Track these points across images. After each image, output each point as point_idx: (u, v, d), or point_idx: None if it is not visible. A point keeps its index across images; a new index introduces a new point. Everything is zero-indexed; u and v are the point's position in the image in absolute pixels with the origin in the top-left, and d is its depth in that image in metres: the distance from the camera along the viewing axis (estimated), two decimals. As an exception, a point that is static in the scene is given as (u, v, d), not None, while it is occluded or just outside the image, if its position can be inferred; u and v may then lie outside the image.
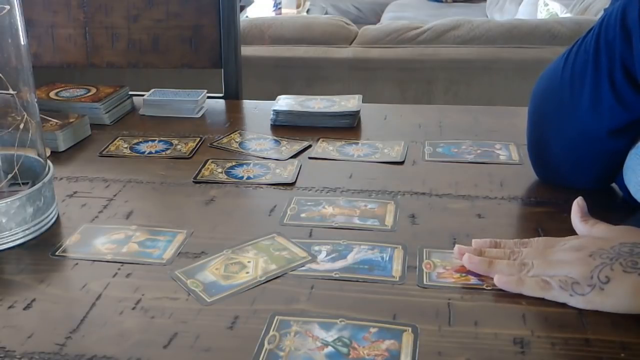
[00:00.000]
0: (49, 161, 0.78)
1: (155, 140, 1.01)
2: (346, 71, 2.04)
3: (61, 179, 0.88)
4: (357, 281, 0.63)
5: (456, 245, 0.67)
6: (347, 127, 1.04)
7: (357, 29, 2.17)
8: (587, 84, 0.71)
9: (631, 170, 0.70)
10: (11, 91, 0.72)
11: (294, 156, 0.94)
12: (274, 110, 1.07)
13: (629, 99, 0.68)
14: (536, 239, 0.66)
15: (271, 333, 0.56)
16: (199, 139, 1.01)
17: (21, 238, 0.71)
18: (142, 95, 1.16)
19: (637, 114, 0.69)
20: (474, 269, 0.64)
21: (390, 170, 0.89)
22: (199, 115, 1.13)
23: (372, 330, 0.56)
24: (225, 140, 1.01)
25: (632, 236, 0.61)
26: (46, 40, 1.22)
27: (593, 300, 0.58)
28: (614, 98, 0.69)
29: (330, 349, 0.54)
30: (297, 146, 0.97)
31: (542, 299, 0.60)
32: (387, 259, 0.67)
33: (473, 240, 0.68)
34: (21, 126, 0.74)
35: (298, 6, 4.64)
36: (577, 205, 0.68)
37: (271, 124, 1.06)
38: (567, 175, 0.79)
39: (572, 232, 0.67)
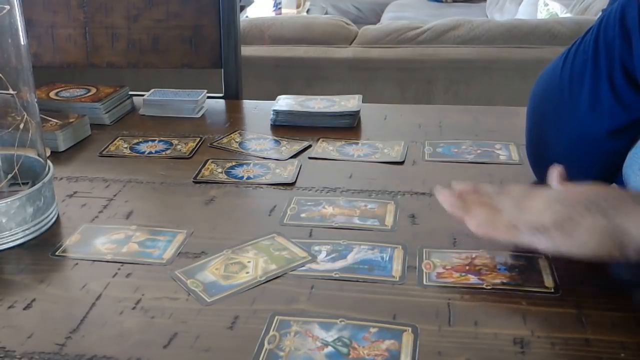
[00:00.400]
0: (49, 161, 0.78)
1: (155, 140, 1.01)
2: (346, 71, 2.04)
3: (61, 179, 0.88)
4: (357, 281, 0.63)
5: (437, 186, 0.70)
6: (347, 127, 1.04)
7: (357, 29, 2.17)
8: (586, 84, 0.71)
9: (630, 169, 0.70)
10: (11, 91, 0.72)
11: (294, 156, 0.94)
12: (274, 110, 1.07)
13: (628, 99, 0.68)
14: (513, 187, 0.68)
15: (271, 333, 0.56)
16: (199, 139, 1.01)
17: (21, 238, 0.71)
18: (142, 95, 1.16)
19: (637, 114, 0.68)
20: (451, 210, 0.67)
21: (390, 170, 0.89)
22: (199, 115, 1.13)
23: (372, 330, 0.56)
24: (225, 140, 1.01)
25: (604, 189, 0.64)
26: (46, 40, 1.22)
27: (560, 244, 0.60)
28: (613, 98, 0.69)
29: (330, 349, 0.54)
30: (297, 146, 0.97)
31: (542, 299, 0.60)
32: (387, 259, 0.67)
33: (453, 183, 0.70)
34: (21, 126, 0.74)
35: (298, 6, 4.64)
36: (557, 171, 0.69)
37: (271, 124, 1.06)
38: (567, 176, 0.79)
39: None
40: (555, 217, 0.61)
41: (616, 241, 0.59)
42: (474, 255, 0.67)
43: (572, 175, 0.78)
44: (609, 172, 0.77)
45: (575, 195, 0.64)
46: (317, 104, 1.09)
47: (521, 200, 0.66)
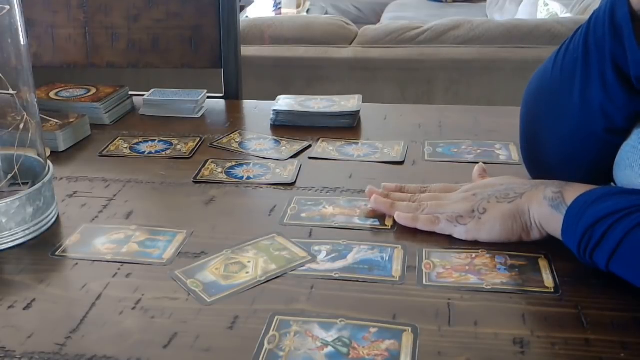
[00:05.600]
0: (49, 161, 0.78)
1: (155, 140, 1.01)
2: (346, 71, 2.04)
3: (61, 179, 0.88)
4: (357, 281, 0.63)
5: (368, 187, 0.79)
6: (347, 127, 1.04)
7: (357, 29, 2.17)
8: (576, 83, 0.70)
9: (617, 165, 0.70)
10: (11, 91, 0.72)
11: (294, 156, 0.94)
12: (274, 110, 1.07)
13: (619, 96, 0.68)
14: (435, 185, 0.79)
15: (271, 333, 0.56)
16: (199, 139, 1.01)
17: (21, 238, 0.71)
18: (142, 95, 1.16)
19: (628, 111, 0.68)
20: (378, 208, 0.76)
21: (390, 170, 0.89)
22: (199, 115, 1.13)
23: (372, 330, 0.56)
24: (225, 140, 1.01)
25: (512, 179, 0.74)
26: (46, 40, 1.22)
27: (472, 229, 0.69)
28: (604, 96, 0.68)
29: (330, 349, 0.54)
30: (297, 146, 0.97)
31: (542, 299, 0.60)
32: (387, 259, 0.67)
33: (383, 184, 0.80)
34: (21, 126, 0.74)
35: (298, 6, 4.64)
36: (480, 166, 0.82)
37: (271, 124, 1.06)
38: (561, 175, 0.78)
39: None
40: (467, 206, 0.70)
41: (520, 223, 0.67)
42: (474, 255, 0.67)
43: (566, 173, 0.78)
44: (602, 170, 0.76)
45: (486, 186, 0.73)
46: (317, 104, 1.09)
47: (440, 194, 0.76)
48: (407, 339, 0.55)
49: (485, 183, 0.76)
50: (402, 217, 0.73)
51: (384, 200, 0.76)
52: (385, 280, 0.63)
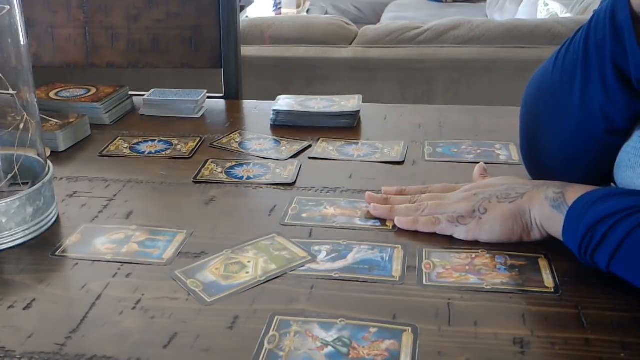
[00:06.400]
0: (49, 161, 0.78)
1: (155, 140, 1.01)
2: (346, 71, 2.04)
3: (61, 179, 0.88)
4: (357, 281, 0.63)
5: (367, 193, 0.78)
6: (347, 127, 1.04)
7: (357, 29, 2.17)
8: (576, 84, 0.70)
9: (617, 167, 0.70)
10: (11, 91, 0.72)
11: (294, 156, 0.94)
12: (274, 110, 1.07)
13: (619, 97, 0.68)
14: (435, 185, 0.79)
15: (271, 333, 0.56)
16: (199, 139, 1.01)
17: (21, 238, 0.71)
18: (142, 95, 1.16)
19: (628, 112, 0.68)
20: (377, 214, 0.75)
21: (390, 170, 0.89)
22: (199, 115, 1.13)
23: (372, 330, 0.56)
24: (225, 140, 1.01)
25: (513, 179, 0.74)
26: (46, 40, 1.22)
27: (473, 229, 0.69)
28: (604, 97, 0.68)
29: (330, 349, 0.54)
30: (297, 146, 0.97)
31: (542, 299, 0.60)
32: (387, 259, 0.67)
33: (383, 188, 0.80)
34: (21, 126, 0.74)
35: (298, 6, 4.64)
36: (481, 166, 0.82)
37: (271, 124, 1.06)
38: (561, 176, 0.78)
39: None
40: (468, 206, 0.70)
41: (521, 223, 0.67)
42: (474, 255, 0.67)
43: (566, 174, 0.78)
44: (602, 171, 0.76)
45: (487, 185, 0.74)
46: (317, 104, 1.09)
47: (440, 194, 0.76)
48: (407, 339, 0.55)
49: (486, 183, 0.76)
50: (402, 221, 0.73)
51: (383, 207, 0.76)
52: (385, 280, 0.63)
